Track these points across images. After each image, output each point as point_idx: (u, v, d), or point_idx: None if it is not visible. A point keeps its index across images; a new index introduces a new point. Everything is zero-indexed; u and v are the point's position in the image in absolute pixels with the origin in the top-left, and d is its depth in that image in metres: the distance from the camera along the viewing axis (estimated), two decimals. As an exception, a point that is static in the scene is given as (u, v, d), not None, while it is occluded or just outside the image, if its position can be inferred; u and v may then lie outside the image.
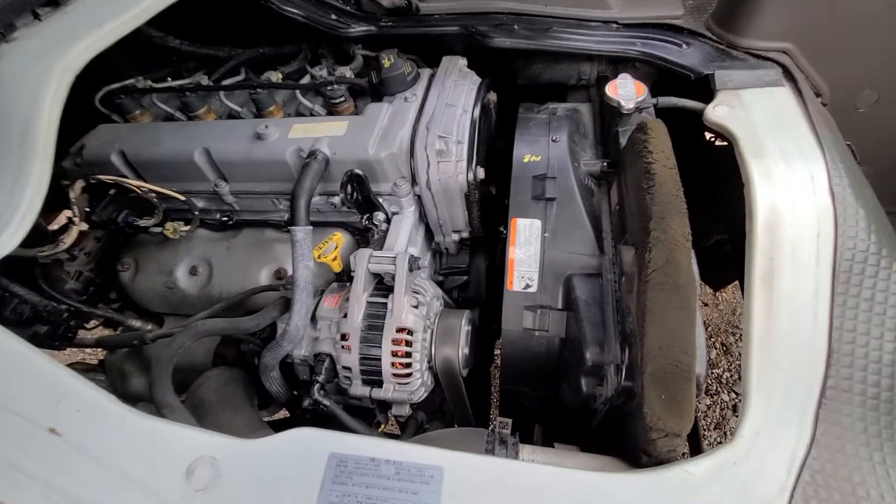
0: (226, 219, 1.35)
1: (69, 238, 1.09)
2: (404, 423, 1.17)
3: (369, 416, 1.13)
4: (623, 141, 1.12)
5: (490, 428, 0.91)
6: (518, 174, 1.11)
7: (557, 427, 1.31)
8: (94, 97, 1.35)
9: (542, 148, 1.15)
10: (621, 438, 0.89)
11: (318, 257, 1.03)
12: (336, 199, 1.17)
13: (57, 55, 0.90)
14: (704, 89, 1.11)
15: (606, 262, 1.02)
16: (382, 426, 1.11)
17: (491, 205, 1.42)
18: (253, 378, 1.14)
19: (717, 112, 1.01)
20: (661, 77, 1.25)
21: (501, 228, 1.83)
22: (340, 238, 1.06)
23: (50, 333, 1.03)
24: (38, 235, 1.14)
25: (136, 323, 1.36)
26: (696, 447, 1.49)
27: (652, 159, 0.92)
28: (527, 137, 1.18)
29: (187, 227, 1.23)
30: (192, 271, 1.30)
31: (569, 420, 1.12)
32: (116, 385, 1.41)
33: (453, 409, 1.19)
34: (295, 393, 1.13)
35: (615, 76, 1.25)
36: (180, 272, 1.30)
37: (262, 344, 1.13)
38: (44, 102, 0.86)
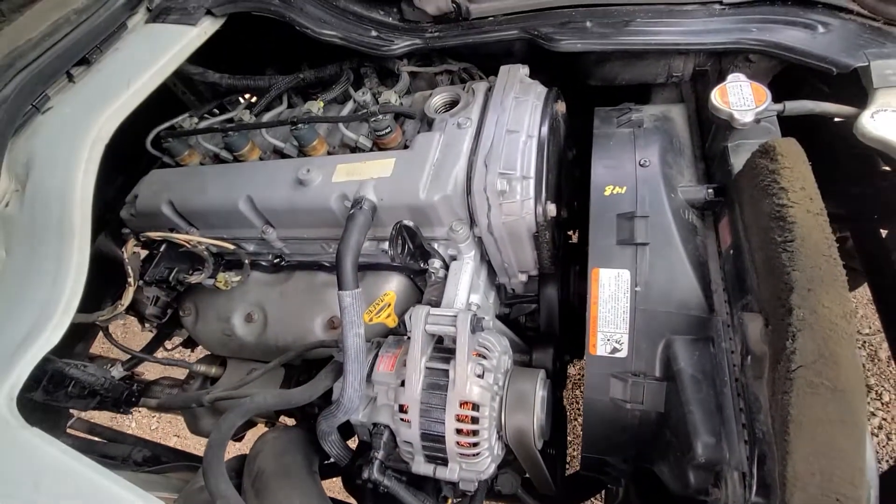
0: (277, 260, 1.29)
1: (126, 299, 1.07)
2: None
3: (434, 485, 1.03)
4: (736, 161, 0.89)
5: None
6: (599, 211, 0.92)
7: (653, 491, 1.14)
8: (145, 138, 1.33)
9: (627, 174, 0.94)
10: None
11: (371, 320, 0.93)
12: (387, 246, 1.05)
13: (87, 125, 0.85)
14: (849, 85, 0.84)
15: (719, 324, 0.81)
16: (449, 500, 1.00)
17: (562, 231, 1.23)
18: (313, 436, 1.08)
19: (880, 123, 0.75)
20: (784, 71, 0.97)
21: (570, 233, 1.63)
22: (393, 296, 0.95)
23: (114, 401, 1.02)
24: (97, 298, 1.14)
25: (201, 367, 1.37)
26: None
27: (788, 200, 0.69)
28: (607, 161, 0.98)
29: (238, 278, 1.18)
30: (248, 318, 1.25)
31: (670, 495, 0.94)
32: (190, 425, 1.43)
33: (528, 472, 1.06)
34: (355, 459, 1.05)
35: (718, 72, 1.00)
36: (236, 319, 1.26)
37: (322, 403, 1.06)
38: (76, 181, 0.81)
